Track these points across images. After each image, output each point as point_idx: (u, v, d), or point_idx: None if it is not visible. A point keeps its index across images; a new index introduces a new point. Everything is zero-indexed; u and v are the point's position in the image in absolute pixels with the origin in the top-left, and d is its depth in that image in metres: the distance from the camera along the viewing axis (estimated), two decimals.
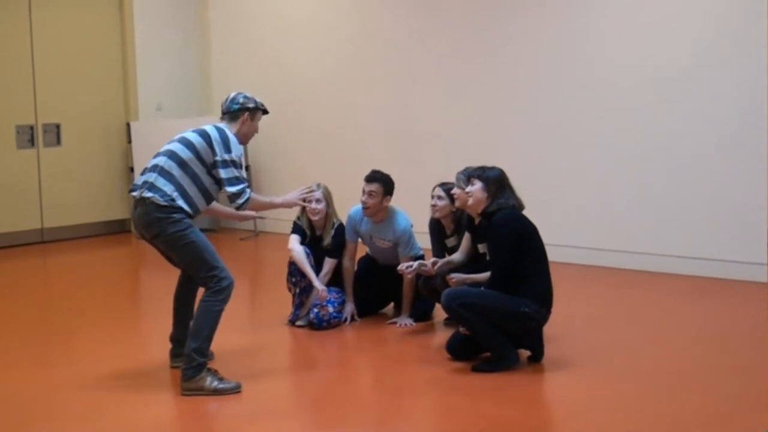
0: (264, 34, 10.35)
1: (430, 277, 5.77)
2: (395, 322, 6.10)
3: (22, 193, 9.68)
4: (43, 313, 6.93)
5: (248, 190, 4.89)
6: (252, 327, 6.44)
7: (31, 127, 9.73)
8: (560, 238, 7.82)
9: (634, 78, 7.68)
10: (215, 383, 4.74)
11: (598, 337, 5.84)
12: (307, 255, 6.09)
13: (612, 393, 4.73)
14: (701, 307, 6.68)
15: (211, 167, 4.82)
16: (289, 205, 5.29)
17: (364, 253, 6.49)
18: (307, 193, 5.37)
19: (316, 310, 6.02)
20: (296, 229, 6.20)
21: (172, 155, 4.83)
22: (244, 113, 4.99)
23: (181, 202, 4.76)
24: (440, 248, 6.04)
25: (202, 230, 9.99)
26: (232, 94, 5.05)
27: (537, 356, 5.23)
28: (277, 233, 9.44)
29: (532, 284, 5.04)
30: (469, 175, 5.31)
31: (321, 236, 6.18)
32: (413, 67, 9.10)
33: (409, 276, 5.83)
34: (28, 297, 7.51)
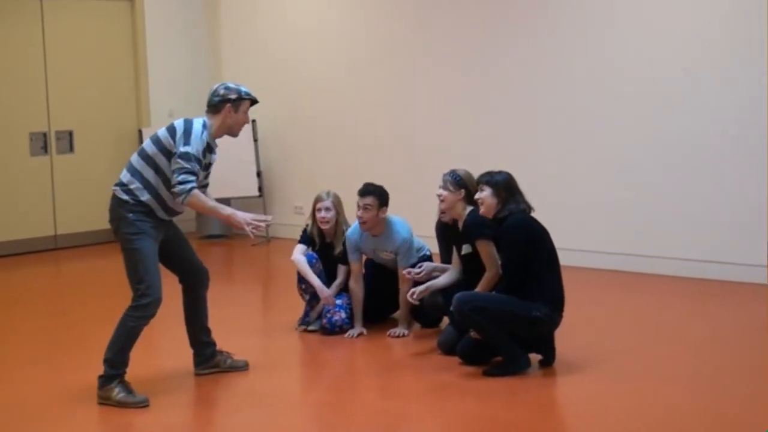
0: (274, 40, 10.37)
1: (434, 293, 5.67)
2: (393, 333, 5.98)
3: (35, 200, 9.73)
4: (55, 319, 6.97)
5: (192, 185, 4.62)
6: (263, 332, 6.47)
7: (44, 134, 9.78)
8: (567, 242, 7.80)
9: (636, 80, 7.66)
10: (121, 395, 4.65)
11: (607, 340, 5.84)
12: (315, 260, 6.08)
13: (623, 396, 4.72)
14: (705, 309, 6.67)
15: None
16: (232, 223, 4.77)
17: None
18: (259, 224, 4.75)
19: (329, 315, 6.02)
20: (303, 238, 6.19)
21: (140, 150, 4.82)
22: (225, 104, 4.83)
23: (146, 198, 4.71)
24: (448, 252, 5.93)
25: (215, 236, 10.10)
26: (215, 86, 4.92)
27: (548, 360, 5.22)
28: (289, 239, 9.46)
29: (543, 288, 5.04)
30: (478, 181, 5.30)
31: (332, 243, 6.17)
32: (423, 72, 9.08)
33: (411, 289, 5.64)
34: (41, 303, 7.55)
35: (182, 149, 4.66)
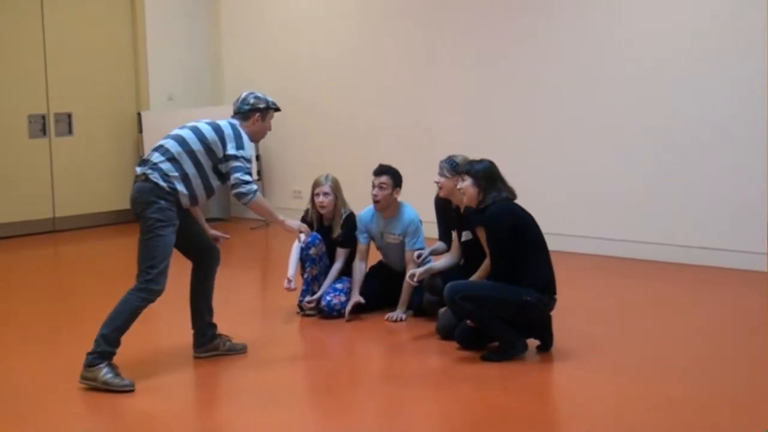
0: (275, 24, 10.35)
1: (433, 275, 5.73)
2: (390, 317, 6.01)
3: (33, 183, 9.71)
4: (54, 301, 6.98)
5: (256, 188, 4.88)
6: (261, 316, 6.49)
7: (43, 117, 9.77)
8: (562, 228, 7.83)
9: (637, 71, 7.67)
10: (108, 376, 4.63)
11: (605, 326, 5.85)
12: (319, 241, 6.10)
13: (619, 382, 4.74)
14: (705, 297, 6.70)
15: (218, 161, 4.84)
16: (286, 228, 5.08)
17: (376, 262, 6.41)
18: (304, 232, 5.15)
19: (328, 297, 6.04)
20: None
21: (182, 142, 4.84)
22: (255, 114, 5.03)
23: (180, 188, 4.77)
24: (447, 227, 5.94)
25: (215, 219, 10.11)
26: (243, 94, 5.08)
27: (546, 345, 5.24)
28: None
29: (532, 273, 5.05)
30: (459, 171, 5.32)
31: (330, 227, 6.19)
32: (423, 61, 9.07)
33: (410, 271, 5.73)
34: (39, 286, 7.55)
35: (238, 152, 4.84)
